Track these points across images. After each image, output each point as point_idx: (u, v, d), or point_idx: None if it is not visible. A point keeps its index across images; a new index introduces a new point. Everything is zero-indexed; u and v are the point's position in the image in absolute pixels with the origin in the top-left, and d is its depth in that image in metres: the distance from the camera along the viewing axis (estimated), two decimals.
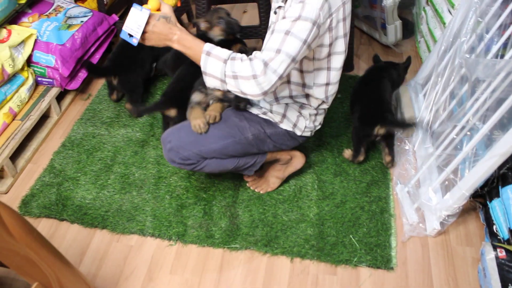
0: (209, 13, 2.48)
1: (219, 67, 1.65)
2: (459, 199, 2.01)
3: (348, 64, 3.06)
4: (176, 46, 1.69)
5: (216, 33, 2.41)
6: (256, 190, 2.33)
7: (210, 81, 1.70)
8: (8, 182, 2.46)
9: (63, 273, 1.52)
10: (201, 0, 2.83)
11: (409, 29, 3.35)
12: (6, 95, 2.54)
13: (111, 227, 2.21)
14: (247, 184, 2.36)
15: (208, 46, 1.68)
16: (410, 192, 2.28)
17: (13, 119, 2.61)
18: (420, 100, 2.65)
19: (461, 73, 2.21)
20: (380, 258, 2.06)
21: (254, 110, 2.10)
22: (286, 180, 2.37)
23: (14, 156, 2.56)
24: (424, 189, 2.22)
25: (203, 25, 2.43)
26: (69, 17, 2.91)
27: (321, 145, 2.56)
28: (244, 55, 1.68)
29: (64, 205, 2.31)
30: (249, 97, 1.68)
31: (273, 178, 2.32)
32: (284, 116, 2.05)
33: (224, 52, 1.67)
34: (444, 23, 2.65)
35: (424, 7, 3.03)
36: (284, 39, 1.62)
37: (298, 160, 2.28)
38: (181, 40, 1.68)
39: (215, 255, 2.11)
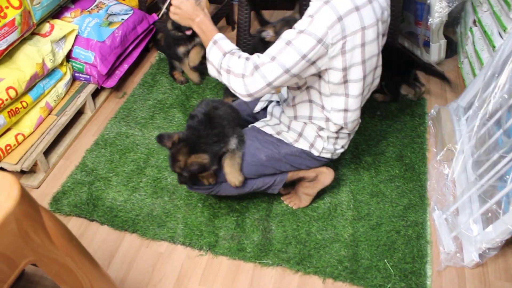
0: (280, 22, 2.32)
1: (218, 57, 1.72)
2: (502, 233, 1.93)
3: None
4: (195, 27, 1.78)
5: None
6: (289, 205, 2.28)
7: (209, 68, 1.77)
8: (40, 177, 2.45)
9: (97, 281, 1.49)
10: (244, 5, 2.79)
11: (452, 49, 3.27)
12: (44, 89, 2.53)
13: (141, 232, 2.18)
14: (282, 198, 2.31)
15: (219, 36, 1.76)
16: (448, 220, 2.20)
17: (49, 114, 2.60)
18: (462, 124, 2.57)
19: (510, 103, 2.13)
20: (414, 286, 1.99)
21: (268, 130, 2.04)
22: (321, 197, 2.31)
23: (47, 151, 2.55)
24: (464, 218, 2.14)
25: (269, 35, 2.30)
26: (111, 14, 2.89)
27: (358, 163, 2.50)
28: (245, 54, 1.70)
29: (95, 205, 2.29)
30: (237, 95, 1.72)
31: (303, 195, 2.27)
32: (300, 134, 1.99)
33: (228, 46, 1.73)
34: (493, 46, 2.56)
35: (471, 27, 2.95)
36: (283, 48, 1.61)
37: (325, 176, 2.19)
38: (202, 23, 1.77)
39: (245, 269, 2.06)
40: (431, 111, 2.78)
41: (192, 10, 1.76)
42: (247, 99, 1.71)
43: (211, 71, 1.77)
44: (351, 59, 1.66)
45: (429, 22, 2.86)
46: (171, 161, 1.87)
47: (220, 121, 1.92)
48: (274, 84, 1.64)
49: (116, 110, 2.86)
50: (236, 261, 2.09)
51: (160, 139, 1.88)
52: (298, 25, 1.61)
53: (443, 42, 3.03)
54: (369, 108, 2.80)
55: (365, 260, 2.08)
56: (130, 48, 2.98)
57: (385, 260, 2.08)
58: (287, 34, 1.62)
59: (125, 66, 2.96)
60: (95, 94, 2.91)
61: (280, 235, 2.16)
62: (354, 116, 1.85)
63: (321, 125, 1.91)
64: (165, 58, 3.19)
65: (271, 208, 2.28)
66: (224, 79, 1.72)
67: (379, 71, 1.86)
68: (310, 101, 1.88)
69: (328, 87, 1.76)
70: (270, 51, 1.64)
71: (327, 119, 1.88)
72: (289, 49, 1.59)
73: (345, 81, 1.73)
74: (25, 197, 1.12)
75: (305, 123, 1.96)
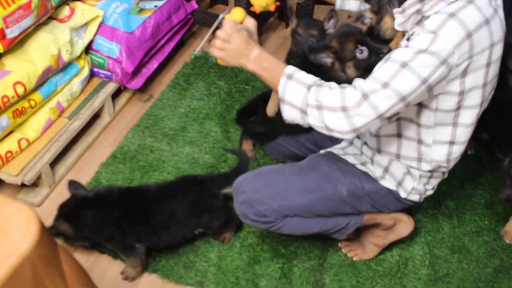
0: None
1: (301, 93, 1.62)
2: None
3: None
4: (250, 66, 1.68)
5: (388, 24, 2.04)
6: (349, 254, 2.23)
7: (288, 112, 1.67)
8: (43, 193, 2.46)
9: None
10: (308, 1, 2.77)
11: None
12: (57, 86, 2.54)
13: (163, 273, 2.16)
14: (340, 245, 2.26)
15: (291, 68, 1.65)
16: None
17: (59, 116, 2.61)
18: None
19: None
20: None
21: (350, 159, 2.01)
22: (388, 247, 2.25)
23: (54, 162, 2.55)
24: None
25: (367, 18, 2.12)
26: None
27: (437, 208, 2.43)
28: (334, 83, 1.63)
29: None
30: (335, 134, 1.63)
31: (371, 245, 2.21)
32: (386, 170, 1.94)
33: (309, 77, 1.64)
34: None
35: None
36: (397, 71, 1.55)
37: (403, 226, 2.14)
38: (260, 59, 1.67)
39: None
40: None
41: (245, 44, 1.66)
42: (350, 136, 1.62)
43: (290, 113, 1.67)
44: (471, 82, 1.63)
45: None
46: None
47: None
48: (385, 115, 1.58)
49: (139, 116, 2.85)
50: None
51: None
52: (415, 42, 1.56)
53: None
54: None
55: None
56: (162, 42, 2.98)
57: None
58: (400, 55, 1.56)
59: (155, 64, 2.96)
60: (115, 95, 2.91)
61: None
62: (459, 150, 1.81)
63: (412, 165, 1.86)
64: (202, 56, 3.18)
65: (326, 256, 2.23)
66: (314, 119, 1.63)
67: (492, 94, 1.81)
68: (399, 135, 1.82)
69: (434, 116, 1.71)
70: (380, 75, 1.57)
71: (420, 159, 1.83)
72: (406, 72, 1.54)
73: (458, 108, 1.69)
74: (44, 237, 1.10)
75: (391, 158, 1.91)
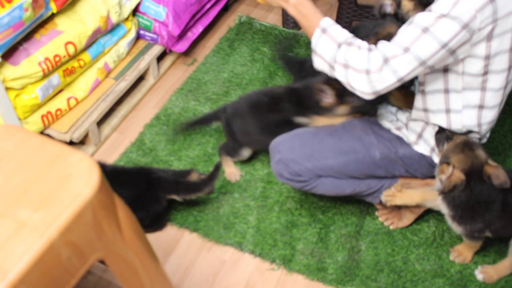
0: None
1: (331, 49, 1.74)
2: None
3: None
4: (291, 9, 1.79)
5: (406, 6, 2.04)
6: (385, 223, 2.33)
7: (318, 62, 1.82)
8: (89, 151, 2.61)
9: (160, 287, 1.61)
10: None
11: None
12: (105, 47, 2.67)
13: (204, 232, 2.30)
14: (376, 213, 2.36)
15: (326, 21, 1.76)
16: None
17: (106, 77, 2.75)
18: None
19: None
20: None
21: (385, 124, 2.11)
22: (425, 218, 2.34)
23: (100, 121, 2.70)
24: None
25: (388, 6, 2.12)
26: None
27: None
28: (364, 43, 1.73)
29: None
30: (357, 92, 1.76)
31: (407, 211, 2.30)
32: (420, 136, 2.04)
33: (342, 34, 1.75)
34: None
35: None
36: (418, 36, 1.65)
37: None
38: (300, 4, 1.77)
39: None
40: None
41: None
42: (370, 97, 1.76)
43: (320, 64, 1.81)
44: (498, 46, 1.71)
45: None
46: None
47: None
48: (405, 78, 1.70)
49: (183, 79, 2.98)
50: (314, 282, 2.17)
51: None
52: (437, 6, 1.65)
53: None
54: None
55: None
56: (208, 6, 3.08)
57: None
58: (422, 19, 1.66)
59: (200, 28, 3.07)
60: (160, 58, 3.04)
61: (371, 258, 2.22)
62: (491, 115, 1.89)
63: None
64: (247, 21, 3.28)
65: (363, 224, 2.34)
66: (340, 75, 1.76)
67: None
68: (426, 110, 1.94)
69: (462, 80, 1.80)
70: (401, 40, 1.68)
71: (450, 127, 1.92)
72: (427, 37, 1.63)
73: (485, 72, 1.77)
74: (103, 185, 1.23)
75: (426, 123, 2.00)
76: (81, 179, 1.21)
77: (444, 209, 1.98)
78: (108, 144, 2.68)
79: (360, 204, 2.37)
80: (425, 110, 1.94)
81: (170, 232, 2.31)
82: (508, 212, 1.93)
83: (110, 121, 2.75)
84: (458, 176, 1.82)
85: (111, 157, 2.59)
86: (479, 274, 2.16)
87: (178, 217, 2.34)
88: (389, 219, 2.33)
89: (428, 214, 2.34)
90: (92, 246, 1.25)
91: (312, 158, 2.04)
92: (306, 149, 2.05)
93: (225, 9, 3.39)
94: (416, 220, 2.33)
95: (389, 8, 2.09)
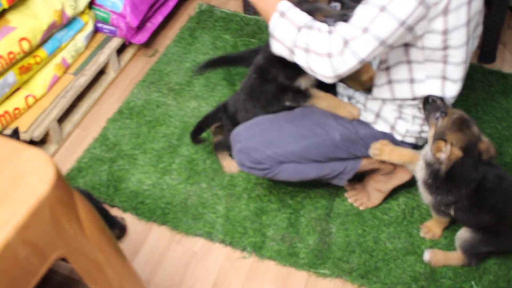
0: None
1: (291, 33, 1.74)
2: None
3: (489, 54, 2.98)
4: None
5: None
6: (355, 204, 2.35)
7: (277, 47, 1.81)
8: (51, 149, 2.59)
9: (127, 282, 1.60)
10: None
11: None
12: (61, 42, 2.64)
13: (172, 224, 2.29)
14: (346, 194, 2.38)
15: (284, 4, 1.76)
16: None
17: (65, 72, 2.72)
18: None
19: None
20: None
21: None
22: (394, 196, 2.37)
23: (61, 119, 2.67)
24: None
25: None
26: None
27: None
28: (324, 25, 1.73)
29: (117, 188, 2.41)
30: (318, 76, 1.76)
31: (374, 191, 2.33)
32: (378, 115, 2.07)
33: (302, 17, 1.74)
34: None
35: None
36: (376, 15, 1.66)
37: (404, 170, 2.24)
38: None
39: (297, 278, 2.16)
40: None
41: None
42: (332, 81, 1.77)
43: (278, 49, 1.81)
44: (454, 20, 1.73)
45: None
46: None
47: None
48: (366, 59, 1.71)
49: (145, 71, 2.96)
50: (286, 267, 2.18)
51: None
52: None
53: None
54: (461, 90, 2.80)
55: (447, 279, 2.14)
56: None
57: (472, 282, 2.13)
58: None
59: (159, 18, 3.05)
60: (120, 51, 3.01)
61: (342, 240, 2.24)
62: (454, 89, 1.91)
63: (407, 103, 1.98)
64: (207, 9, 3.27)
65: (332, 206, 2.35)
66: (300, 59, 1.76)
67: (479, 30, 1.92)
68: (391, 81, 1.94)
69: (423, 53, 1.82)
70: (359, 20, 1.68)
71: (414, 98, 1.94)
72: (384, 15, 1.64)
73: (445, 47, 1.79)
74: (60, 181, 1.22)
75: (383, 101, 2.02)
76: (36, 176, 1.19)
77: (423, 175, 1.99)
78: (70, 141, 2.65)
79: (329, 187, 2.39)
80: (390, 82, 1.95)
81: (138, 226, 2.30)
82: (478, 198, 1.97)
83: (72, 117, 2.73)
84: (457, 154, 1.83)
85: (74, 155, 2.57)
86: (427, 254, 2.19)
87: (146, 211, 2.33)
88: (358, 199, 2.35)
89: (397, 192, 2.37)
90: (51, 244, 1.24)
91: (272, 145, 2.05)
92: (266, 136, 2.06)
93: None
94: (386, 199, 2.35)
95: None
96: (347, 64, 1.70)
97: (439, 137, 1.87)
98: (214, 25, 3.19)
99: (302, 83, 2.09)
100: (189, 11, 3.34)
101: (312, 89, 2.09)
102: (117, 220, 2.24)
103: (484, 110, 2.73)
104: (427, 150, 1.97)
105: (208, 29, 3.17)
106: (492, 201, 1.98)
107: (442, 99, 1.90)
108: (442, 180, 1.92)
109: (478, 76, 2.88)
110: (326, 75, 1.74)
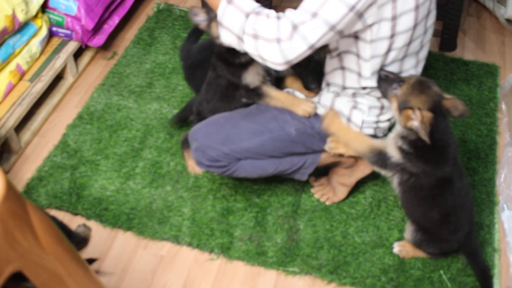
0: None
1: (239, 20, 1.74)
2: None
3: (449, 42, 3.02)
4: None
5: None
6: (321, 199, 2.36)
7: (225, 35, 1.81)
8: (10, 159, 2.54)
9: None
10: None
11: None
12: (15, 48, 2.60)
13: (138, 230, 2.28)
14: (312, 190, 2.39)
15: None
16: None
17: (20, 79, 2.67)
18: None
19: None
20: None
21: None
22: (360, 190, 2.38)
23: (19, 127, 2.62)
24: None
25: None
26: None
27: None
28: (272, 11, 1.74)
29: (79, 196, 2.38)
30: (268, 64, 1.77)
31: (339, 185, 2.34)
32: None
33: (249, 3, 1.75)
34: None
35: None
36: (325, 0, 1.67)
37: (365, 163, 2.25)
38: None
39: (266, 278, 2.16)
40: (505, 82, 2.83)
41: None
42: (282, 68, 1.77)
43: (227, 38, 1.81)
44: (402, 5, 1.74)
45: None
46: None
47: None
48: (316, 45, 1.71)
49: (104, 75, 2.93)
50: (255, 267, 2.18)
51: None
52: None
53: None
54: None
55: (416, 270, 2.16)
56: None
57: (441, 271, 2.16)
58: None
59: (116, 19, 3.02)
60: (77, 55, 2.98)
61: (310, 236, 2.25)
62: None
63: (356, 91, 1.99)
64: (166, 8, 3.25)
65: (299, 203, 2.36)
66: (249, 46, 1.76)
67: (432, 18, 1.93)
68: (343, 68, 1.96)
69: (370, 48, 1.83)
70: (308, 5, 1.69)
71: (363, 88, 1.96)
72: (333, 0, 1.65)
73: (392, 34, 1.80)
74: (11, 192, 1.20)
75: (336, 94, 2.04)
76: None
77: (400, 145, 1.94)
78: (30, 150, 2.61)
79: (295, 184, 2.40)
80: (342, 68, 1.96)
81: (103, 234, 2.28)
82: (439, 192, 1.98)
83: (30, 125, 2.68)
84: (429, 116, 1.81)
85: (34, 163, 2.53)
86: (397, 246, 2.21)
87: (110, 218, 2.31)
88: (324, 194, 2.36)
89: (363, 185, 2.39)
90: (5, 257, 1.22)
91: (228, 142, 2.06)
92: (222, 134, 2.07)
93: None
94: (352, 193, 2.37)
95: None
96: (296, 49, 1.71)
97: (404, 106, 1.86)
98: (173, 24, 3.18)
99: (249, 80, 2.08)
100: (147, 10, 3.31)
101: (264, 87, 2.09)
102: (73, 232, 2.21)
103: None
104: (396, 131, 1.95)
105: (167, 29, 3.16)
106: (449, 199, 2.00)
107: (393, 73, 1.90)
108: (426, 147, 1.87)
109: (440, 65, 2.92)
110: (276, 61, 1.74)
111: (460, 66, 2.93)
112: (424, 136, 1.81)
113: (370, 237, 2.25)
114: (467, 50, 3.07)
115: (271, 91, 2.10)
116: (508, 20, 3.17)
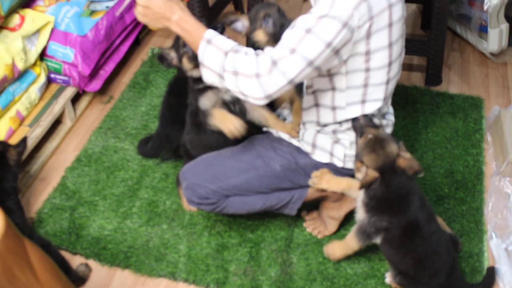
0: (256, 8, 2.17)
1: (218, 59, 1.81)
2: None
3: (434, 76, 3.12)
4: (174, 27, 1.86)
5: (259, 37, 2.11)
6: (313, 232, 2.42)
7: (207, 75, 1.88)
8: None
9: None
10: None
11: None
12: (15, 95, 2.70)
13: (135, 267, 2.34)
14: (304, 224, 2.45)
15: (210, 33, 1.84)
16: (509, 250, 2.32)
17: (20, 125, 2.77)
18: None
19: None
20: None
21: (285, 136, 2.22)
22: (351, 222, 2.43)
23: None
24: None
25: (240, 24, 2.14)
26: (93, 1, 3.06)
27: None
28: (250, 49, 1.83)
29: (78, 236, 2.45)
30: (249, 99, 1.84)
31: (329, 219, 2.41)
32: (314, 146, 2.15)
33: (227, 43, 1.83)
34: None
35: None
36: (303, 37, 1.76)
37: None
38: (181, 21, 1.86)
39: None
40: (490, 114, 2.92)
41: (165, 7, 1.83)
42: (263, 102, 1.84)
43: (209, 76, 1.88)
44: (376, 42, 1.85)
45: (485, 4, 2.98)
46: None
47: None
48: (295, 80, 1.80)
49: (101, 118, 3.03)
50: None
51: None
52: (317, 8, 1.78)
53: (504, 27, 3.14)
54: (411, 113, 2.93)
55: None
56: (117, 42, 3.15)
57: None
58: (303, 21, 1.78)
59: (111, 65, 3.14)
60: (75, 100, 3.07)
61: (303, 269, 2.31)
62: (374, 106, 2.00)
63: (335, 128, 2.08)
64: (160, 52, 3.35)
65: (292, 237, 2.42)
66: (230, 83, 1.84)
67: (402, 57, 2.03)
68: (317, 105, 2.06)
69: (346, 79, 1.93)
70: (286, 42, 1.78)
71: (340, 124, 2.05)
72: (311, 37, 1.74)
73: (367, 69, 1.90)
74: (10, 231, 1.28)
75: (317, 131, 2.12)
76: None
77: (360, 196, 2.06)
78: (30, 193, 2.69)
79: (288, 218, 2.46)
80: (317, 105, 2.06)
81: (101, 272, 2.34)
82: (408, 236, 2.04)
83: (30, 169, 2.77)
84: (372, 175, 1.92)
85: (34, 206, 2.61)
86: (388, 277, 2.24)
87: (108, 256, 2.37)
88: (316, 228, 2.42)
89: (353, 218, 2.43)
90: None
91: (216, 179, 2.14)
92: (210, 172, 2.16)
93: (136, 43, 3.46)
94: (344, 226, 2.43)
95: (240, 26, 2.14)
96: (276, 84, 1.78)
97: (357, 158, 1.96)
98: (167, 68, 3.27)
99: (203, 102, 2.16)
100: (142, 55, 3.43)
101: (212, 108, 2.15)
102: (71, 268, 2.28)
103: (433, 132, 2.85)
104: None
105: (161, 72, 3.27)
106: (419, 245, 2.05)
107: (367, 116, 1.99)
108: (377, 201, 1.99)
109: (426, 99, 3.01)
110: (256, 96, 1.81)
111: (446, 99, 3.03)
112: (358, 189, 1.97)
113: (362, 268, 2.31)
114: (452, 84, 3.17)
115: (213, 110, 2.15)
116: (491, 53, 3.28)
